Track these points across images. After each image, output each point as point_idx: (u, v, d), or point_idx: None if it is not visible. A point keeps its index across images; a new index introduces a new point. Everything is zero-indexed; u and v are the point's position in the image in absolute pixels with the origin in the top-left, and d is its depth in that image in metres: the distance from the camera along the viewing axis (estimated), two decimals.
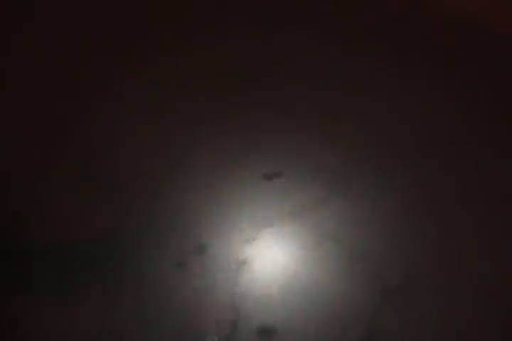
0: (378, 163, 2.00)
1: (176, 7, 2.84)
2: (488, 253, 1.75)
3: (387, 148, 2.09)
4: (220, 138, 2.02)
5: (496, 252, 1.77)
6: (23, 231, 1.70)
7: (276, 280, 1.63)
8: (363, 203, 1.85)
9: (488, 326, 1.57)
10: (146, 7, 2.84)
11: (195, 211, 1.79)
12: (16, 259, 1.62)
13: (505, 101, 2.38)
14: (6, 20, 2.44)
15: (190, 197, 1.81)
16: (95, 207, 1.78)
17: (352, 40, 2.69)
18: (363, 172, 1.97)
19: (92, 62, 2.51)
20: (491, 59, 2.51)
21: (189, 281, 1.60)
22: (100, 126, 2.09)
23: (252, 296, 1.58)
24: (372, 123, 2.24)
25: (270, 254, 1.70)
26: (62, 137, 2.10)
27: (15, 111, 2.20)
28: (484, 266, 1.71)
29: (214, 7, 2.69)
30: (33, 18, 2.41)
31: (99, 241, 1.67)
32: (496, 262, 1.74)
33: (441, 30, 2.63)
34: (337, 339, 1.53)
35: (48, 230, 1.71)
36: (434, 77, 2.48)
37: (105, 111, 2.23)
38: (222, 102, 2.23)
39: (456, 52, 2.59)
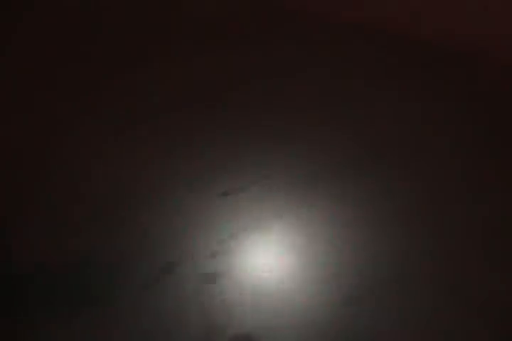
0: (334, 176, 2.04)
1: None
2: (455, 256, 1.76)
3: (351, 157, 2.11)
4: (180, 159, 2.05)
5: (465, 255, 1.78)
6: None
7: (247, 291, 1.66)
8: (324, 213, 1.89)
9: (456, 328, 1.58)
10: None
11: (161, 231, 1.81)
12: None
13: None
14: None
15: (155, 218, 1.84)
16: (63, 234, 1.78)
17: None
18: (319, 184, 2.00)
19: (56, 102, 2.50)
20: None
21: (161, 299, 1.62)
22: (72, 158, 2.10)
23: (224, 308, 1.61)
24: (341, 132, 2.24)
25: (238, 266, 1.73)
26: (38, 169, 2.11)
27: None
28: (449, 268, 1.73)
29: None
30: None
31: (69, 267, 1.68)
32: (463, 265, 1.75)
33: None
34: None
35: (16, 259, 1.71)
36: (411, 87, 2.49)
37: (77, 143, 2.22)
38: (185, 128, 2.27)
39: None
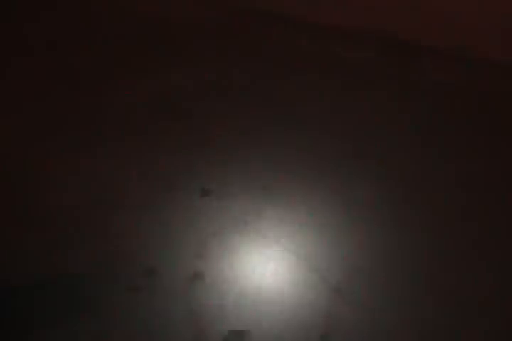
0: (306, 172, 2.05)
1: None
2: (425, 248, 1.78)
3: (315, 159, 2.12)
4: (157, 163, 2.06)
5: (462, 255, 1.78)
6: None
7: (232, 290, 1.67)
8: (300, 209, 1.90)
9: (433, 318, 1.60)
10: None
11: (144, 232, 1.81)
12: None
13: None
14: None
15: (138, 220, 1.84)
16: (49, 242, 1.78)
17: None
18: (305, 184, 2.01)
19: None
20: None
21: (149, 301, 1.62)
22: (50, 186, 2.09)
23: (210, 307, 1.62)
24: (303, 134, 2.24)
25: (220, 265, 1.73)
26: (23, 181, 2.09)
27: None
28: (417, 262, 1.76)
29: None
30: None
31: (51, 276, 1.67)
32: (461, 265, 1.76)
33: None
34: (300, 336, 1.56)
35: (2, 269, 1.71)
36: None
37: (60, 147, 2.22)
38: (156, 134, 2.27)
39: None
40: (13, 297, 1.62)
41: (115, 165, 2.03)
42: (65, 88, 2.38)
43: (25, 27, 2.71)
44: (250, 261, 1.75)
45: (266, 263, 1.74)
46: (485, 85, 2.42)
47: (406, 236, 1.82)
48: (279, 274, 1.71)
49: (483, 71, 2.50)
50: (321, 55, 2.60)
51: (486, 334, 1.57)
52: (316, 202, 1.92)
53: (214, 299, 1.63)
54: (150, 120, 2.23)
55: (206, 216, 1.86)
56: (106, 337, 1.53)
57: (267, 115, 2.27)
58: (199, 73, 2.47)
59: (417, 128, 2.22)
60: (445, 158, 2.09)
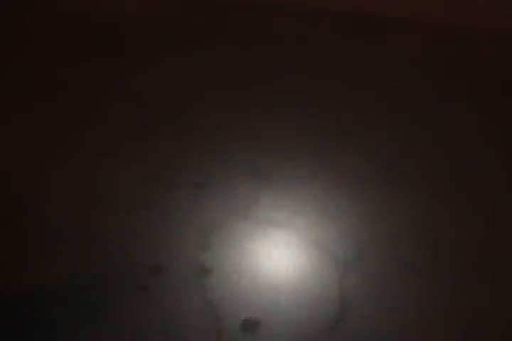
0: (304, 159, 2.05)
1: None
2: (421, 225, 1.78)
3: (313, 148, 2.12)
4: (157, 163, 2.06)
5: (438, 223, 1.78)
6: None
7: (243, 277, 1.67)
8: (300, 193, 1.90)
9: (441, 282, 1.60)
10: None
11: (142, 233, 1.81)
12: None
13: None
14: None
15: (135, 220, 1.84)
16: (48, 249, 1.78)
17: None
18: (302, 169, 2.00)
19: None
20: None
21: (157, 301, 1.63)
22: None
23: (223, 298, 1.62)
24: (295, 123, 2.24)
25: (227, 254, 1.73)
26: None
27: None
28: (418, 234, 1.76)
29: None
30: None
31: (52, 277, 1.66)
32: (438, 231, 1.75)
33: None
34: (317, 318, 1.58)
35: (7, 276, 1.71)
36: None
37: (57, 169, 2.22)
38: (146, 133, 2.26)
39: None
40: (13, 298, 1.62)
41: (115, 165, 2.03)
42: (65, 88, 2.38)
43: (25, 27, 2.71)
44: (258, 246, 1.75)
45: (274, 246, 1.75)
46: (484, 62, 2.42)
47: (407, 215, 1.81)
48: (289, 256, 1.72)
49: (480, 48, 2.50)
50: (317, 40, 2.60)
51: (481, 334, 1.57)
52: (316, 182, 1.93)
53: (225, 290, 1.64)
54: (150, 120, 2.23)
55: (207, 210, 1.86)
56: (116, 338, 1.53)
57: (267, 111, 2.27)
58: (198, 72, 2.47)
59: (415, 104, 2.22)
60: (446, 137, 2.09)
